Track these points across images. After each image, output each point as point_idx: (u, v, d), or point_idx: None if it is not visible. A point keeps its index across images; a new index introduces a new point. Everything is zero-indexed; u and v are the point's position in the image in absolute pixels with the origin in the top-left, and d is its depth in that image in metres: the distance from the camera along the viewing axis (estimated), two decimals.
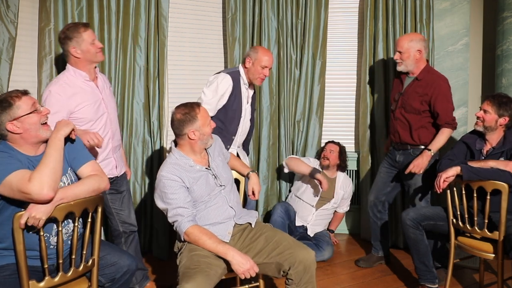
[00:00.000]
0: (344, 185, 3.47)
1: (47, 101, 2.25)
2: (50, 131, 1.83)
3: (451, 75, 3.68)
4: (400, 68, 2.94)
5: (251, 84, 2.88)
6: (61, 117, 2.15)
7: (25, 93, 1.79)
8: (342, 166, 3.48)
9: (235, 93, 2.77)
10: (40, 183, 1.63)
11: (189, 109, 2.10)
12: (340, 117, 3.98)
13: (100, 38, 3.09)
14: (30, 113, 1.77)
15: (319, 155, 3.57)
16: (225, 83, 2.73)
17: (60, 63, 2.99)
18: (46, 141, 1.83)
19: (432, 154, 2.82)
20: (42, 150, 1.83)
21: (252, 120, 2.99)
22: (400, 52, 2.90)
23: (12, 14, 2.73)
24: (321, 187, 3.22)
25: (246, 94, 2.86)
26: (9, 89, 2.75)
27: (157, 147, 3.33)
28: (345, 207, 3.56)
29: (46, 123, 1.84)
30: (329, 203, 3.42)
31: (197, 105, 2.14)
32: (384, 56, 3.62)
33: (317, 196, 3.38)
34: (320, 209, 3.41)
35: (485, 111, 2.55)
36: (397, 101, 3.00)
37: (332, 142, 3.53)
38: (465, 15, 3.65)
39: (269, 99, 3.68)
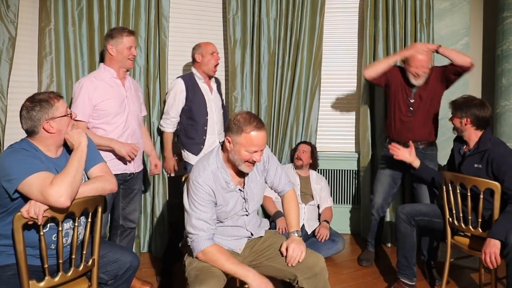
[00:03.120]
0: (318, 180, 3.59)
1: (76, 91, 2.50)
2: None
3: None
4: (420, 81, 2.99)
5: (210, 77, 3.05)
6: (85, 105, 2.46)
7: (60, 96, 1.88)
8: (314, 164, 3.60)
9: (193, 91, 2.95)
10: (60, 191, 1.67)
11: (258, 120, 1.94)
12: (340, 117, 3.98)
13: (100, 38, 3.10)
14: (65, 115, 1.85)
15: (292, 156, 3.63)
16: (178, 86, 2.94)
17: (60, 63, 3.00)
18: (64, 144, 1.91)
19: None
20: (60, 152, 1.90)
21: (223, 106, 3.19)
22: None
23: (12, 14, 2.73)
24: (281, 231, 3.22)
25: (207, 87, 3.02)
26: (9, 89, 2.76)
27: (157, 147, 3.32)
28: (327, 203, 3.55)
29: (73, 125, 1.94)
30: (314, 200, 3.49)
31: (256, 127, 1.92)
32: (384, 56, 3.60)
33: (298, 193, 3.45)
34: (308, 205, 3.46)
35: (451, 115, 2.63)
36: (414, 99, 3.03)
37: (304, 142, 3.62)
38: (465, 15, 3.65)
39: (267, 99, 3.68)
